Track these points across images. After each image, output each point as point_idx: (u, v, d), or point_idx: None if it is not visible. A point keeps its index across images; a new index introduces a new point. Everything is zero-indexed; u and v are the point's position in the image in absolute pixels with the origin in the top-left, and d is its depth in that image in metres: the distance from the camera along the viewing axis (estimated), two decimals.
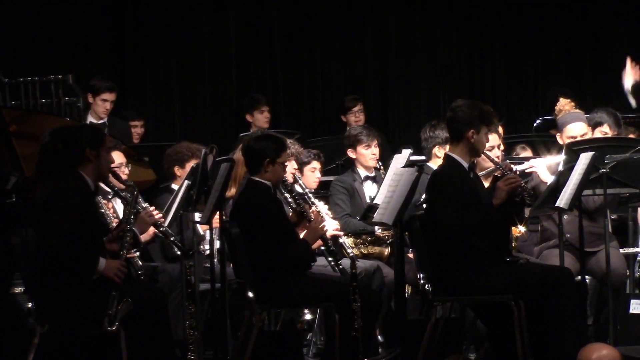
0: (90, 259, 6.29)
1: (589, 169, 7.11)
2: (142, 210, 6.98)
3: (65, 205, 6.29)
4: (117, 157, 7.83)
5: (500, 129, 8.41)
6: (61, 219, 6.26)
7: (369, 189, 8.43)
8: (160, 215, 7.14)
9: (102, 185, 6.90)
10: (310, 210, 7.36)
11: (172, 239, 7.17)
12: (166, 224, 7.25)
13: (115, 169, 7.71)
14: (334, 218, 8.05)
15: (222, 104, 11.89)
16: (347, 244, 7.78)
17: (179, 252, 7.44)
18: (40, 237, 6.32)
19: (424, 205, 6.97)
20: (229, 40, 11.88)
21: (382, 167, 8.48)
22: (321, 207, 7.70)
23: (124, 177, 7.68)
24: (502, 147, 8.25)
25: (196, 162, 7.81)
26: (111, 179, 6.84)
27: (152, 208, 7.21)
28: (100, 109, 9.81)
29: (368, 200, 8.24)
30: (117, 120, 10.00)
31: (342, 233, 7.78)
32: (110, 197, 7.47)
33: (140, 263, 7.45)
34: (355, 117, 11.00)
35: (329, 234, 7.44)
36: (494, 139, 7.76)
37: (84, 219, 6.34)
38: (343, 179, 8.48)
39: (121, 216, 7.18)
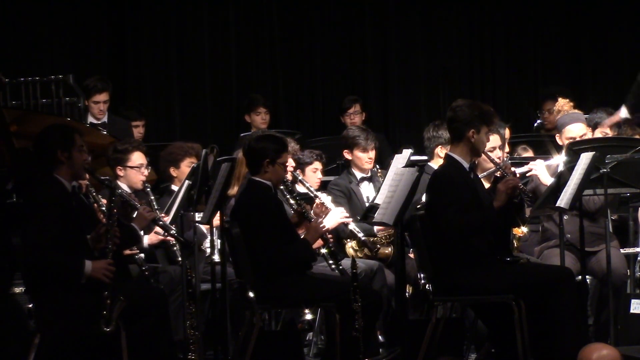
0: (75, 264, 6.26)
1: (589, 169, 7.11)
2: (139, 206, 6.97)
3: (43, 214, 6.26)
4: (139, 158, 7.85)
5: (507, 132, 8.41)
6: (40, 229, 6.23)
7: (365, 190, 8.43)
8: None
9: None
10: (315, 203, 7.41)
11: (172, 232, 7.18)
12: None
13: (136, 169, 7.74)
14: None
15: (222, 104, 11.89)
16: (356, 231, 7.77)
17: (179, 259, 7.46)
18: (24, 248, 6.30)
19: (424, 206, 6.98)
20: (229, 40, 11.89)
21: (379, 170, 8.47)
22: (324, 198, 7.73)
23: (143, 178, 7.72)
24: (506, 149, 8.25)
25: (190, 160, 7.87)
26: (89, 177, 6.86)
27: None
28: (94, 110, 9.79)
29: (366, 201, 8.25)
30: (117, 119, 9.98)
31: (350, 220, 7.78)
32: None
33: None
34: (351, 119, 10.99)
35: (339, 221, 7.53)
36: (495, 140, 7.77)
37: (64, 224, 6.30)
38: (338, 182, 8.46)
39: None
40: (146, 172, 7.89)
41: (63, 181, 6.43)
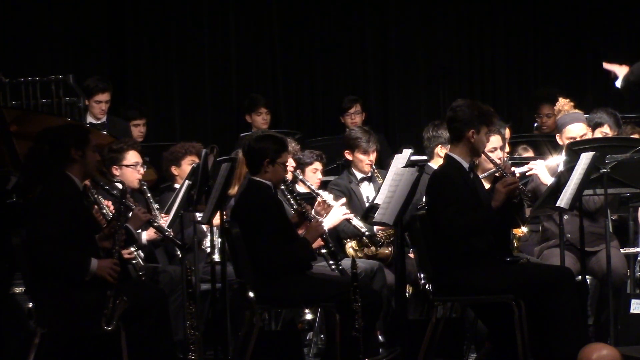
0: (81, 260, 6.29)
1: (589, 169, 7.11)
2: (134, 207, 7.00)
3: (52, 208, 6.29)
4: (133, 156, 7.89)
5: (508, 132, 8.41)
6: (49, 223, 6.26)
7: (365, 190, 8.44)
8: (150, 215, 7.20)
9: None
10: (316, 202, 7.41)
11: (167, 234, 7.20)
12: (167, 224, 7.29)
13: (132, 168, 7.78)
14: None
15: (222, 104, 11.89)
16: (359, 226, 7.78)
17: (179, 254, 7.47)
18: (31, 241, 6.32)
19: (424, 207, 6.99)
20: (229, 40, 11.88)
21: (376, 170, 8.46)
22: (326, 196, 7.75)
23: (139, 176, 7.75)
24: (507, 149, 8.25)
25: (190, 158, 7.91)
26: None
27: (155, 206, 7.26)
28: (95, 110, 9.82)
29: (366, 201, 8.26)
30: (116, 120, 10.00)
31: (352, 215, 7.80)
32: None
33: (142, 263, 7.47)
34: (352, 119, 11.00)
35: (341, 217, 7.57)
36: (496, 141, 7.78)
37: (73, 220, 6.33)
38: (338, 182, 8.47)
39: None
40: (142, 170, 7.91)
41: (74, 179, 6.46)
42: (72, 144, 6.45)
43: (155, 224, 7.19)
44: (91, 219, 6.69)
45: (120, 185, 7.36)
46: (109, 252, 6.43)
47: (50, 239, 6.24)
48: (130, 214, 6.93)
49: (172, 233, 7.32)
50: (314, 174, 8.39)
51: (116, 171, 7.89)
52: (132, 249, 7.41)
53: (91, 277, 6.29)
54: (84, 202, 6.64)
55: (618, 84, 7.99)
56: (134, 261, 7.39)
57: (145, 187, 7.78)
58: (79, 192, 6.50)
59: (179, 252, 7.50)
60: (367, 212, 7.64)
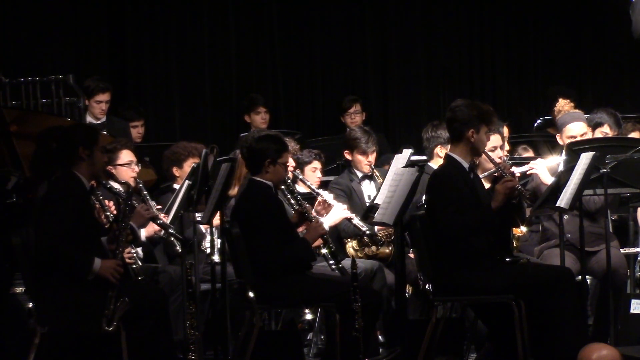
0: (84, 259, 6.30)
1: (589, 169, 7.11)
2: (137, 205, 7.00)
3: (59, 206, 6.31)
4: (127, 155, 7.90)
5: (506, 130, 8.42)
6: (55, 220, 6.27)
7: (367, 189, 8.44)
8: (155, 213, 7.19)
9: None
10: (316, 201, 7.40)
11: (170, 231, 7.20)
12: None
13: (126, 166, 7.78)
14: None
15: (222, 104, 11.90)
16: (360, 225, 7.79)
17: (179, 249, 7.47)
18: (36, 238, 6.33)
19: (424, 206, 6.99)
20: (229, 40, 11.89)
21: (375, 170, 8.45)
22: (326, 195, 7.76)
23: (133, 174, 7.76)
24: (506, 148, 8.25)
25: (193, 160, 7.90)
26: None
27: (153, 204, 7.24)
28: (96, 110, 9.82)
29: (367, 200, 8.26)
30: (115, 120, 10.00)
31: (353, 215, 7.81)
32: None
33: (141, 263, 7.47)
34: (351, 119, 11.00)
35: (342, 216, 7.59)
36: (496, 140, 7.78)
37: (79, 219, 6.34)
38: (339, 181, 8.48)
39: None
40: (137, 169, 7.90)
41: (82, 178, 6.47)
42: (80, 143, 6.47)
43: (159, 220, 7.19)
44: (97, 220, 6.70)
45: (121, 187, 7.36)
46: (113, 253, 6.44)
47: (55, 236, 6.25)
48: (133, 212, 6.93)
49: (174, 229, 7.30)
50: (313, 173, 8.40)
51: (111, 171, 7.89)
52: (132, 250, 7.41)
53: (94, 277, 6.30)
54: (90, 202, 6.65)
55: None
56: (134, 265, 7.38)
57: (141, 185, 7.78)
58: (86, 192, 6.51)
59: (178, 248, 7.49)
60: (367, 212, 7.64)
